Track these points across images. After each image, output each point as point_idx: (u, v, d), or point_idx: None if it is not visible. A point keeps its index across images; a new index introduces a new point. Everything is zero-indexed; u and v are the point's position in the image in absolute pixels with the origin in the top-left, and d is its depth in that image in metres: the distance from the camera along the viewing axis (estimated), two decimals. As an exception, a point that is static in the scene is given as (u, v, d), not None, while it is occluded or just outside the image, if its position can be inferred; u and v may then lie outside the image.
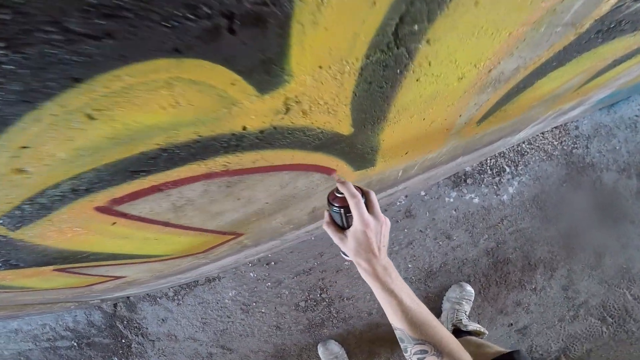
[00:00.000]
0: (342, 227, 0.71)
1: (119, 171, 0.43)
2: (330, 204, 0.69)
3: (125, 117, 0.35)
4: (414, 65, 0.52)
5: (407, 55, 0.48)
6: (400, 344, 0.68)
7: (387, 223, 0.70)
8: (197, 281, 1.89)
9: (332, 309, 1.92)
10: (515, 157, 1.95)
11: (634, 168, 1.99)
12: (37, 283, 0.82)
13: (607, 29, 0.70)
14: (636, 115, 2.05)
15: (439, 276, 1.95)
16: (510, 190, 1.93)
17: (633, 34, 0.81)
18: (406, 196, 1.93)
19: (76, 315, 1.88)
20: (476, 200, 1.90)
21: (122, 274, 1.17)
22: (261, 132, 0.52)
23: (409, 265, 1.96)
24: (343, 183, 0.67)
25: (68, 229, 0.54)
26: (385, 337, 1.95)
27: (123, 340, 1.93)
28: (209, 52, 0.32)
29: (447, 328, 1.83)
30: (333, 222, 0.72)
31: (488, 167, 1.92)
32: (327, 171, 0.86)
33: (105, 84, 0.30)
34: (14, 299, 1.00)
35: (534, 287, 1.96)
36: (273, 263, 1.92)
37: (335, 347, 1.89)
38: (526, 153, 1.96)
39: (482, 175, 1.91)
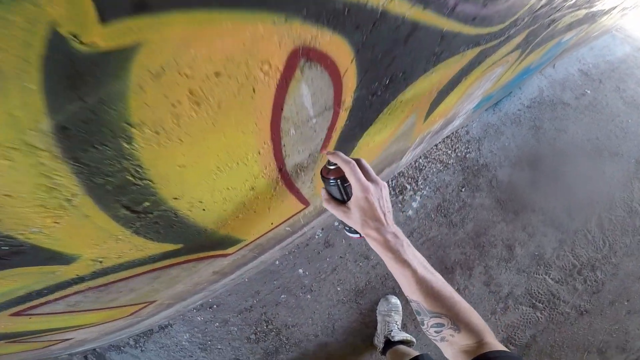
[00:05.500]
0: (342, 200, 0.70)
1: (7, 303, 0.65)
2: (325, 178, 0.70)
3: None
4: (187, 210, 0.65)
5: (173, 214, 0.62)
6: (416, 316, 0.68)
7: (385, 187, 0.69)
8: (152, 330, 2.10)
9: (281, 336, 2.16)
10: (414, 173, 2.22)
11: (525, 160, 2.24)
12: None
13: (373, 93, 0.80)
14: (518, 110, 2.30)
15: (367, 293, 2.21)
16: (414, 205, 2.20)
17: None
18: (322, 229, 2.22)
19: (57, 368, 2.12)
20: (383, 221, 2.17)
21: (68, 337, 1.33)
22: (93, 272, 0.73)
23: (338, 289, 2.23)
24: (333, 154, 0.67)
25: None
26: (337, 354, 2.19)
27: (105, 388, 2.15)
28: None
29: (380, 340, 2.09)
30: (332, 198, 0.72)
31: (390, 188, 2.19)
32: (196, 260, 1.03)
33: None
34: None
35: (456, 288, 2.21)
36: (215, 306, 2.15)
37: (294, 369, 2.02)
38: (424, 167, 2.23)
39: (385, 197, 2.18)
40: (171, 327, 2.04)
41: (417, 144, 1.89)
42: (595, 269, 2.35)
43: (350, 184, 0.66)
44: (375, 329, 2.16)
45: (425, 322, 0.66)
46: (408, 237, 2.21)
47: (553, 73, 2.51)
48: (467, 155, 2.26)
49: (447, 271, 2.21)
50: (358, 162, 0.69)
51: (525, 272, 2.26)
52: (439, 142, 2.28)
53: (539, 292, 2.29)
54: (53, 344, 1.28)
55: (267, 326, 2.14)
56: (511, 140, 2.27)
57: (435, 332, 0.65)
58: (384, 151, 1.47)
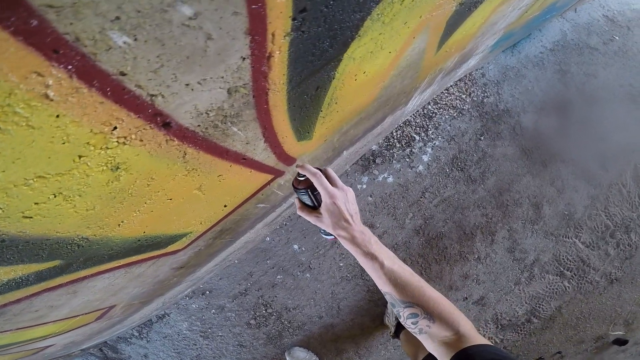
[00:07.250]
0: (314, 207, 0.78)
1: None
2: (296, 189, 0.77)
3: None
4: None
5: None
6: (393, 309, 0.71)
7: (350, 191, 0.77)
8: (151, 320, 1.94)
9: (283, 320, 1.93)
10: (423, 122, 1.88)
11: (551, 105, 1.95)
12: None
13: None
14: (540, 52, 2.01)
15: (374, 269, 1.86)
16: (425, 158, 1.86)
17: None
18: (317, 192, 1.85)
19: (78, 363, 1.97)
20: (390, 179, 1.82)
21: (48, 344, 1.19)
22: None
23: (341, 264, 1.88)
24: (302, 166, 0.75)
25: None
26: (344, 334, 1.95)
27: (127, 377, 2.04)
28: None
29: (391, 321, 1.76)
30: (305, 206, 0.79)
31: (396, 140, 1.85)
32: (121, 267, 0.84)
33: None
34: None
35: (477, 256, 1.89)
36: (208, 292, 1.91)
37: (300, 353, 1.91)
38: (434, 114, 1.90)
39: (391, 150, 1.84)
40: (168, 316, 1.94)
41: (427, 84, 1.58)
42: (629, 230, 2.07)
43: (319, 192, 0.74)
44: (386, 306, 1.84)
45: (401, 314, 0.69)
46: (419, 198, 1.88)
47: (575, 17, 2.24)
48: (485, 100, 1.94)
49: (465, 237, 1.88)
50: (324, 171, 0.76)
51: (554, 235, 1.96)
52: (451, 86, 1.95)
53: (567, 259, 2.00)
54: (39, 351, 1.20)
55: (266, 310, 1.94)
56: (535, 84, 1.96)
57: (412, 323, 0.67)
58: (383, 89, 1.16)
